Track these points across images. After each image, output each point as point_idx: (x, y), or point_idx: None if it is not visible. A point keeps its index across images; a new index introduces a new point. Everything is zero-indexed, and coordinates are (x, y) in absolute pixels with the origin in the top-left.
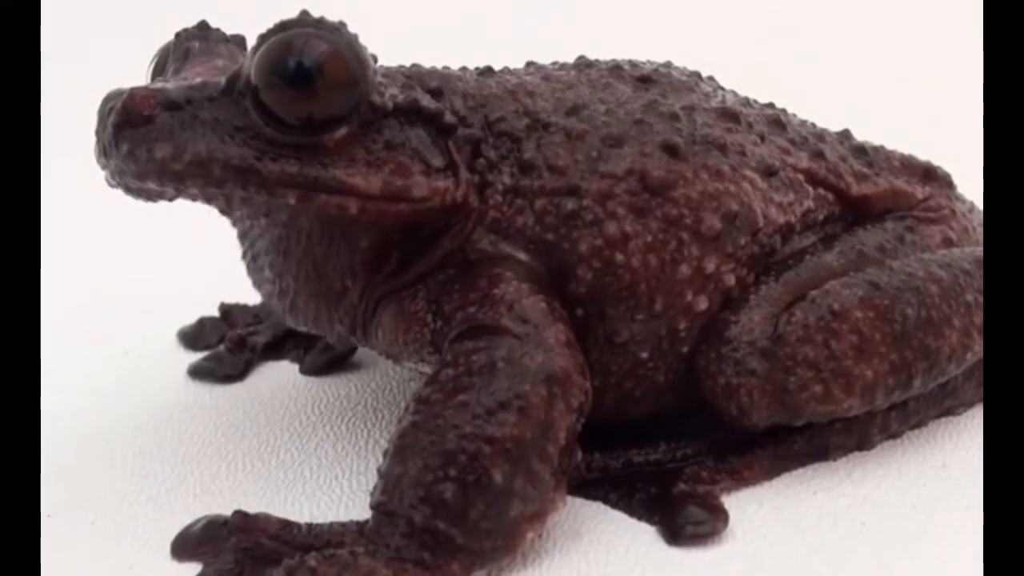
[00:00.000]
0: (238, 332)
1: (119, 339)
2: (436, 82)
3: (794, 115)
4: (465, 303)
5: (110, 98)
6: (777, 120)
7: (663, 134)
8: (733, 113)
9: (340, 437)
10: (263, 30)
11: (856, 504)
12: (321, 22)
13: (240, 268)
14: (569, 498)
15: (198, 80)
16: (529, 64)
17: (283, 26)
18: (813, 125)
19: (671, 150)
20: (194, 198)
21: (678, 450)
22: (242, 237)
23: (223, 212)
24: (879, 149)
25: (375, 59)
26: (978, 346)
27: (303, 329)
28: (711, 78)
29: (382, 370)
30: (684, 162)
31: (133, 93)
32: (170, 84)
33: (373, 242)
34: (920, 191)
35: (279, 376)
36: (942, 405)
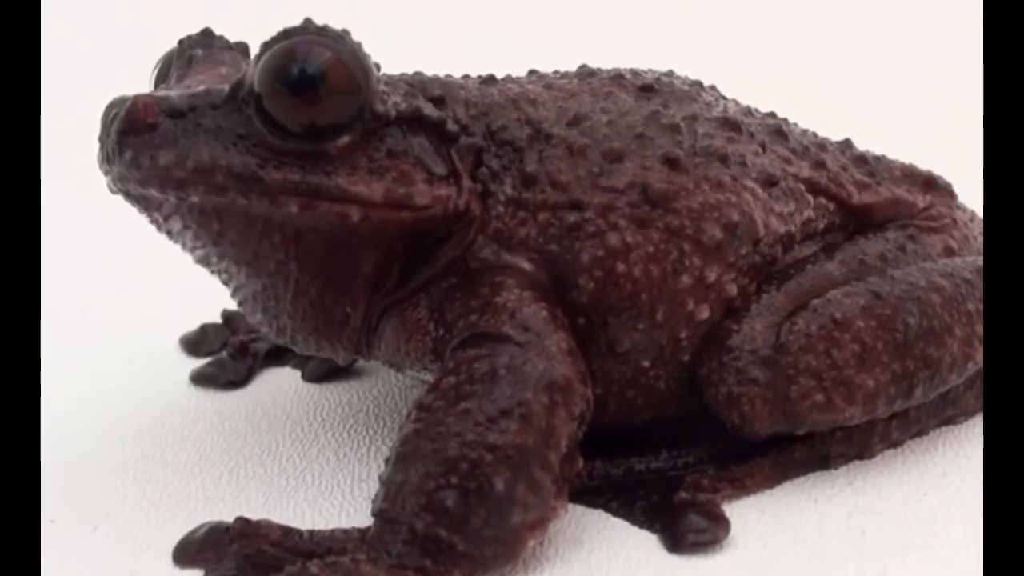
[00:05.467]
0: (240, 338)
1: (122, 345)
2: (439, 90)
3: (795, 124)
4: (467, 311)
5: (113, 105)
6: (779, 130)
7: (664, 147)
8: (735, 123)
9: (342, 444)
10: (266, 38)
11: (857, 512)
12: (324, 30)
13: None
14: (571, 505)
15: (201, 87)
16: (531, 72)
17: (286, 34)
18: (814, 134)
19: (672, 163)
20: (185, 227)
21: (679, 458)
22: (226, 284)
23: (200, 262)
24: (880, 158)
25: (378, 67)
26: (979, 355)
27: (308, 354)
28: (713, 87)
29: (384, 377)
30: (685, 174)
31: (136, 100)
32: (173, 91)
33: (376, 259)
34: (921, 200)
35: (281, 382)
36: (943, 414)
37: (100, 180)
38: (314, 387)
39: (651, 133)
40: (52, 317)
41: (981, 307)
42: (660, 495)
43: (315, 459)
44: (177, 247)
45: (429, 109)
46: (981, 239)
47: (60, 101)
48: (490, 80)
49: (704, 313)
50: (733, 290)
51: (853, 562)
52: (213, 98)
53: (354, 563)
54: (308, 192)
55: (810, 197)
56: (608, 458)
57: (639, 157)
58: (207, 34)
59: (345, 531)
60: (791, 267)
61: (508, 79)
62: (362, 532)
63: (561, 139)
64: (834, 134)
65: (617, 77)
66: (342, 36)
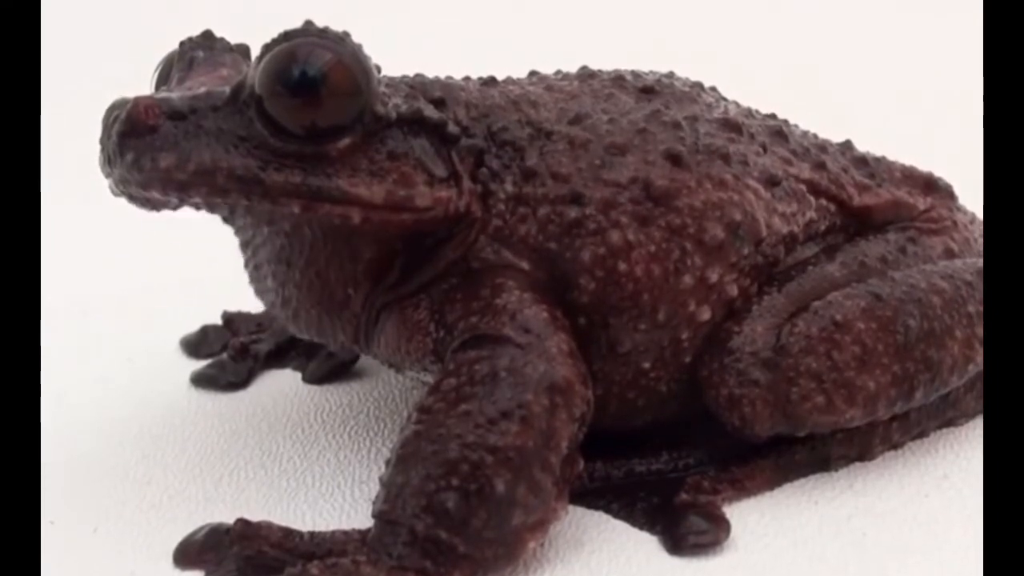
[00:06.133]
0: (241, 340)
1: (122, 347)
2: (439, 92)
3: (796, 126)
4: (467, 312)
5: (115, 107)
6: (779, 131)
7: (666, 143)
8: (735, 124)
9: (342, 445)
10: (267, 40)
11: (857, 514)
12: (325, 32)
13: (243, 276)
14: (571, 507)
15: (202, 90)
16: (532, 74)
17: (287, 36)
18: (815, 136)
19: (675, 159)
20: (198, 206)
21: (680, 460)
22: (244, 246)
23: (226, 220)
24: (881, 160)
25: (379, 69)
26: (980, 357)
27: (306, 337)
28: (713, 89)
29: (384, 379)
30: (687, 171)
31: (137, 102)
32: (174, 93)
33: (376, 252)
34: (922, 202)
35: (282, 384)
36: (943, 416)
37: (100, 181)
38: (314, 389)
39: (653, 128)
40: (52, 317)
41: (981, 309)
42: (661, 497)
43: (315, 461)
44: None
45: (430, 111)
46: (981, 241)
47: (60, 101)
48: (491, 82)
49: (705, 314)
50: (734, 291)
51: (854, 564)
52: (214, 100)
53: (354, 564)
54: (309, 194)
55: (811, 198)
56: (609, 460)
57: (641, 151)
58: (208, 36)
59: (345, 533)
60: (792, 268)
61: (509, 80)
62: (362, 534)
63: (562, 135)
64: (834, 135)
65: (618, 78)
66: (343, 38)
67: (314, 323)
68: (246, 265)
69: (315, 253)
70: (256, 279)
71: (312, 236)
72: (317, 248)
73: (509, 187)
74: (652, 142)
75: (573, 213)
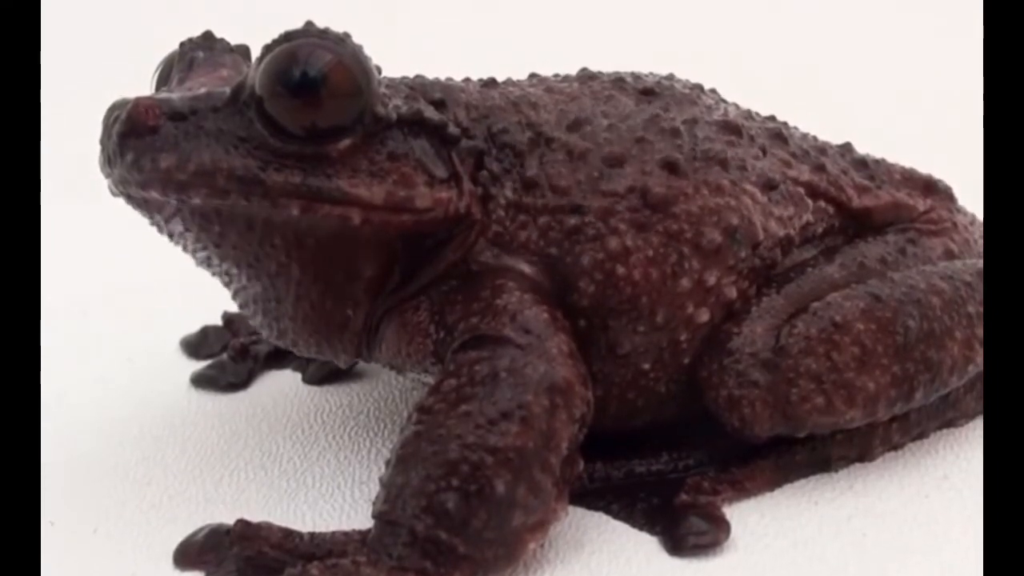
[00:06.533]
0: (241, 341)
1: (122, 346)
2: (439, 93)
3: (795, 128)
4: (468, 313)
5: (115, 107)
6: (779, 133)
7: (664, 152)
8: (735, 126)
9: (343, 446)
10: (268, 40)
11: (858, 515)
12: (326, 33)
13: None
14: (571, 508)
15: (203, 90)
16: (532, 75)
17: (288, 36)
18: (814, 138)
19: (671, 167)
20: (186, 229)
21: (680, 460)
22: (227, 286)
23: (201, 264)
24: (880, 162)
25: (379, 70)
26: (980, 358)
27: (308, 356)
28: (713, 91)
29: (384, 380)
30: (684, 178)
31: (138, 103)
32: (175, 94)
33: (377, 263)
34: (921, 203)
35: (282, 385)
36: (943, 417)
37: (100, 181)
38: (314, 389)
39: (651, 137)
40: (52, 317)
41: (981, 310)
42: (660, 497)
43: (315, 461)
44: (179, 249)
45: (430, 112)
46: (981, 242)
47: (60, 101)
48: (491, 83)
49: (704, 316)
50: (733, 293)
51: (854, 564)
52: (214, 101)
53: (354, 565)
54: (309, 195)
55: (809, 201)
56: (609, 460)
57: (639, 161)
58: (208, 37)
59: (346, 533)
60: (791, 270)
61: (509, 82)
62: (363, 534)
63: (562, 143)
64: (834, 138)
65: (618, 80)
66: (343, 39)
67: (314, 347)
68: (233, 298)
69: (306, 288)
70: (248, 315)
71: (300, 274)
72: (307, 282)
73: (509, 193)
74: (649, 152)
75: (573, 221)
